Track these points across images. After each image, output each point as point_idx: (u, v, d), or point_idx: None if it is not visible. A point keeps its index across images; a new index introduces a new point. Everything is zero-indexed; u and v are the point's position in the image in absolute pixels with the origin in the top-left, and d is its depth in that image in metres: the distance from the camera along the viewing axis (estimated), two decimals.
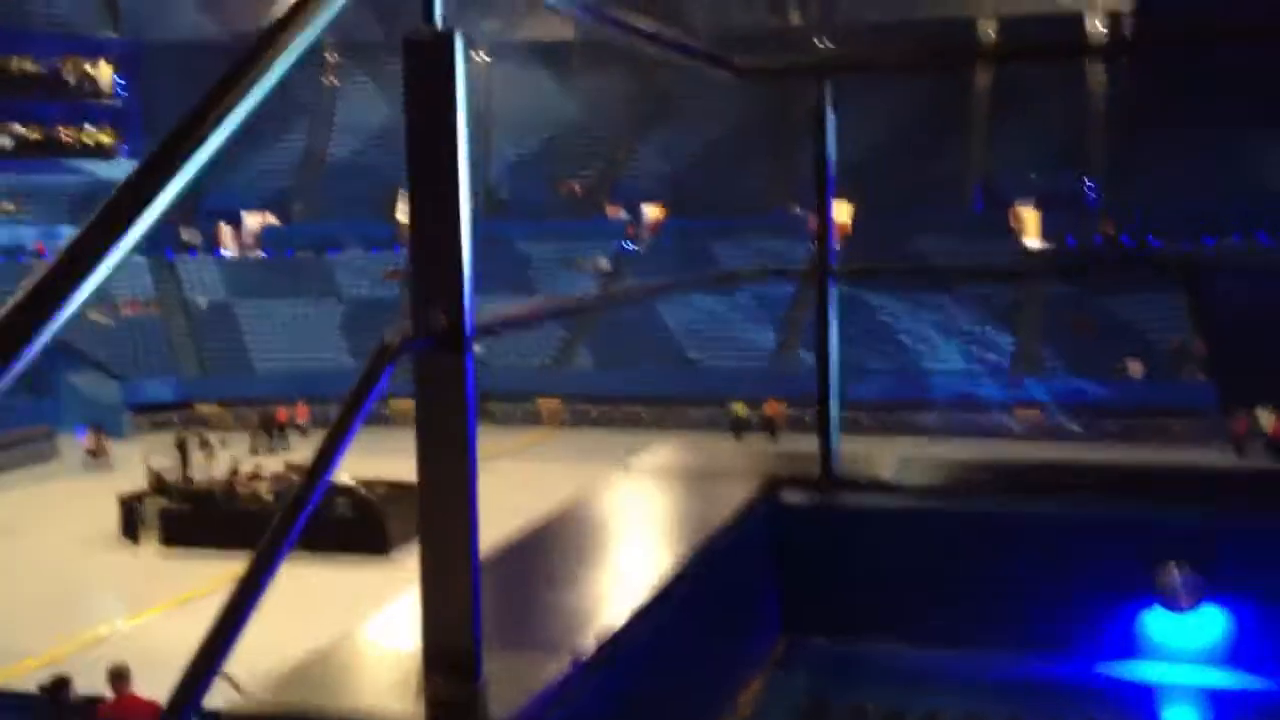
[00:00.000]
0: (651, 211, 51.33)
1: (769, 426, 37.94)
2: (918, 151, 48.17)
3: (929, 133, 49.80)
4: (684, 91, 55.82)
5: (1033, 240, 47.60)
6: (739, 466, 3.70)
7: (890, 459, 3.71)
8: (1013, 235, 47.68)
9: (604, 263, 48.27)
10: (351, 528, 26.94)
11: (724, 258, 47.05)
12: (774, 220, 45.40)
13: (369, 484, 28.64)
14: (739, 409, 39.25)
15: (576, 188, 51.27)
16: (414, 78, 1.92)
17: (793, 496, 3.43)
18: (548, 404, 42.54)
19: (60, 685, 13.58)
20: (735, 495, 3.27)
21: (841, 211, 48.24)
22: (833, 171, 3.48)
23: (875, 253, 45.18)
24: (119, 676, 12.74)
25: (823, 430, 3.52)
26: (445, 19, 1.89)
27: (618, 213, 51.34)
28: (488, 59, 59.23)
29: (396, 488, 29.22)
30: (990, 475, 3.76)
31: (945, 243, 45.70)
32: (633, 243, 50.10)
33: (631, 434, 39.98)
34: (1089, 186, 48.78)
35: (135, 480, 30.83)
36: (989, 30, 55.46)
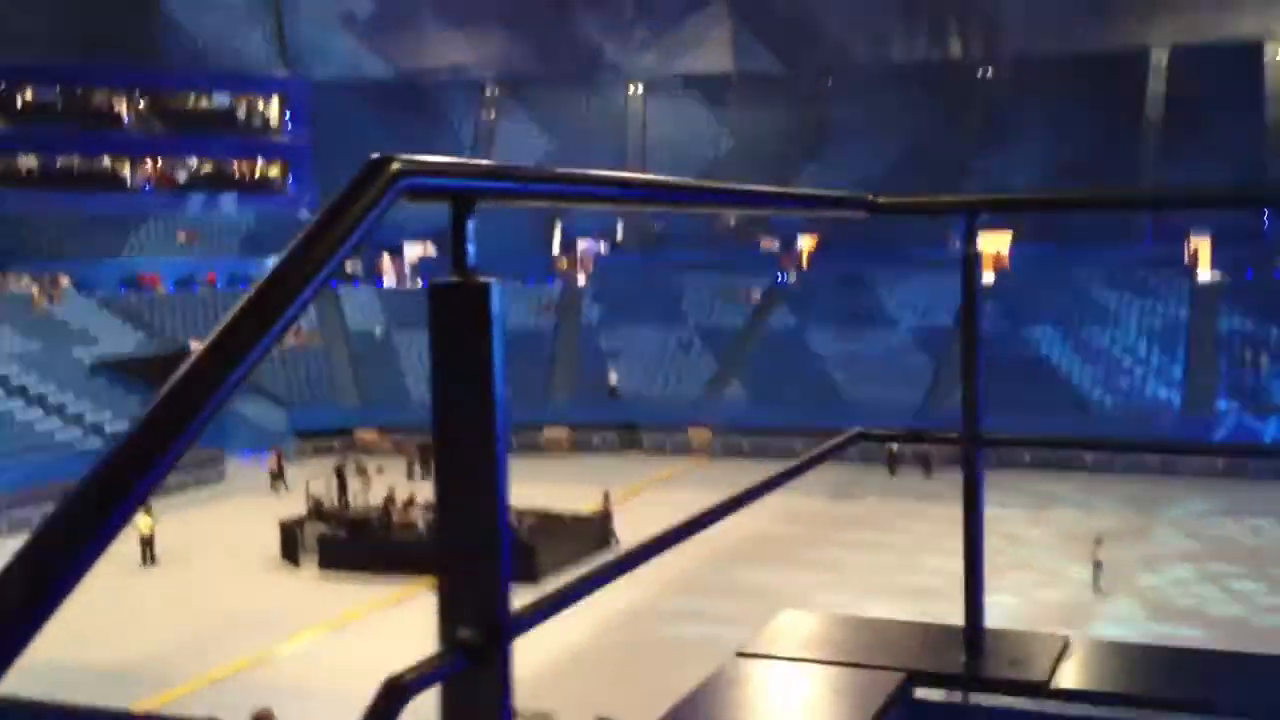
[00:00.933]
0: (805, 243, 50.86)
1: (924, 463, 37.11)
2: (1084, 179, 46.73)
3: (1096, 161, 48.29)
4: (843, 122, 55.36)
5: (1206, 273, 45.80)
6: (872, 646, 3.21)
7: (1053, 644, 3.11)
8: (1185, 268, 45.94)
9: (755, 294, 48.03)
10: None
11: (882, 287, 46.38)
12: (935, 252, 44.52)
13: (519, 514, 28.90)
14: (894, 444, 38.48)
15: (731, 220, 51.15)
16: (443, 332, 1.61)
17: (931, 694, 2.99)
18: (698, 434, 42.37)
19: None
20: (867, 692, 2.89)
21: (999, 241, 47.12)
22: (980, 317, 3.12)
23: (1034, 287, 44.10)
24: None
25: (970, 610, 3.06)
26: (477, 267, 1.60)
27: (771, 245, 51.05)
28: (643, 93, 59.71)
29: (547, 518, 29.48)
30: (1187, 675, 3.09)
31: (1114, 275, 44.36)
32: (785, 274, 49.72)
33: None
34: (1266, 218, 46.69)
35: (298, 505, 31.64)
36: (1161, 61, 53.60)
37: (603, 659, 22.33)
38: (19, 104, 54.04)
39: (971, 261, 3.06)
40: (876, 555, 29.13)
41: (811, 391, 41.89)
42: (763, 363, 44.42)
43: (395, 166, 1.41)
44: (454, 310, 1.58)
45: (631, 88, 60.24)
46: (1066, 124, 50.28)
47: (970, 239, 3.01)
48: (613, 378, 45.33)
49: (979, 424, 3.12)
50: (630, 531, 29.77)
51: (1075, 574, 27.24)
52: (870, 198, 2.99)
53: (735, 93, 57.25)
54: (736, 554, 29.14)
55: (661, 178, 2.27)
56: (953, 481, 3.42)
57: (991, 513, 3.49)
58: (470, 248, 1.59)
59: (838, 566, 28.20)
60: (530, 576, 26.57)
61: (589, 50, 59.85)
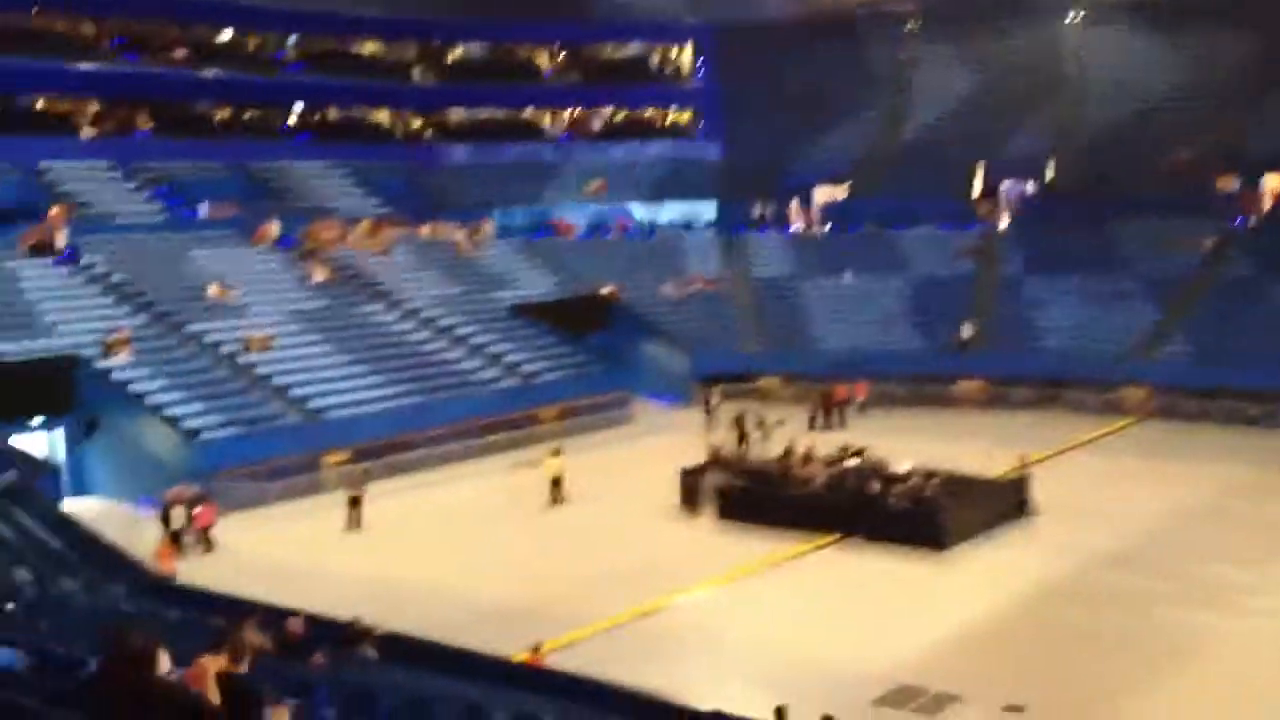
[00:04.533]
0: (1272, 182, 44.50)
1: None
2: None
3: None
4: None
5: None
6: None
7: None
8: None
9: (1206, 241, 42.79)
10: (907, 520, 25.47)
11: None
12: None
13: (928, 474, 27.08)
14: None
15: (1182, 158, 45.73)
16: None
17: None
18: (1132, 393, 38.49)
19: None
20: None
21: None
22: None
23: None
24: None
25: None
26: None
27: (1229, 185, 44.97)
28: (1081, 21, 55.10)
29: (956, 480, 27.44)
30: None
31: None
32: (1245, 218, 43.94)
33: (1234, 432, 35.33)
34: None
35: (699, 447, 31.25)
36: None
37: (1013, 639, 20.27)
38: (449, 61, 56.86)
39: None
40: None
41: (1269, 350, 37.08)
42: (1211, 317, 39.76)
43: None
44: None
45: (1068, 16, 55.75)
46: None
47: None
48: (965, 330, 42.25)
49: None
50: (1049, 499, 27.26)
51: None
52: None
53: (1189, 18, 51.31)
54: (1173, 530, 26.08)
55: None
56: None
57: None
58: None
59: None
60: (937, 543, 24.77)
61: None
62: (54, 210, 37.88)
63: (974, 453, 31.26)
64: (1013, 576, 23.08)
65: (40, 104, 45.81)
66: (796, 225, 50.96)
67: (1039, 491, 27.41)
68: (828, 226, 50.59)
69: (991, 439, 33.89)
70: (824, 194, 51.55)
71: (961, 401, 40.46)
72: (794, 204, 51.13)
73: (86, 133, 44.04)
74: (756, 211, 51.27)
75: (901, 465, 27.62)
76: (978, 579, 23.18)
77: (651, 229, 51.75)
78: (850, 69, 56.23)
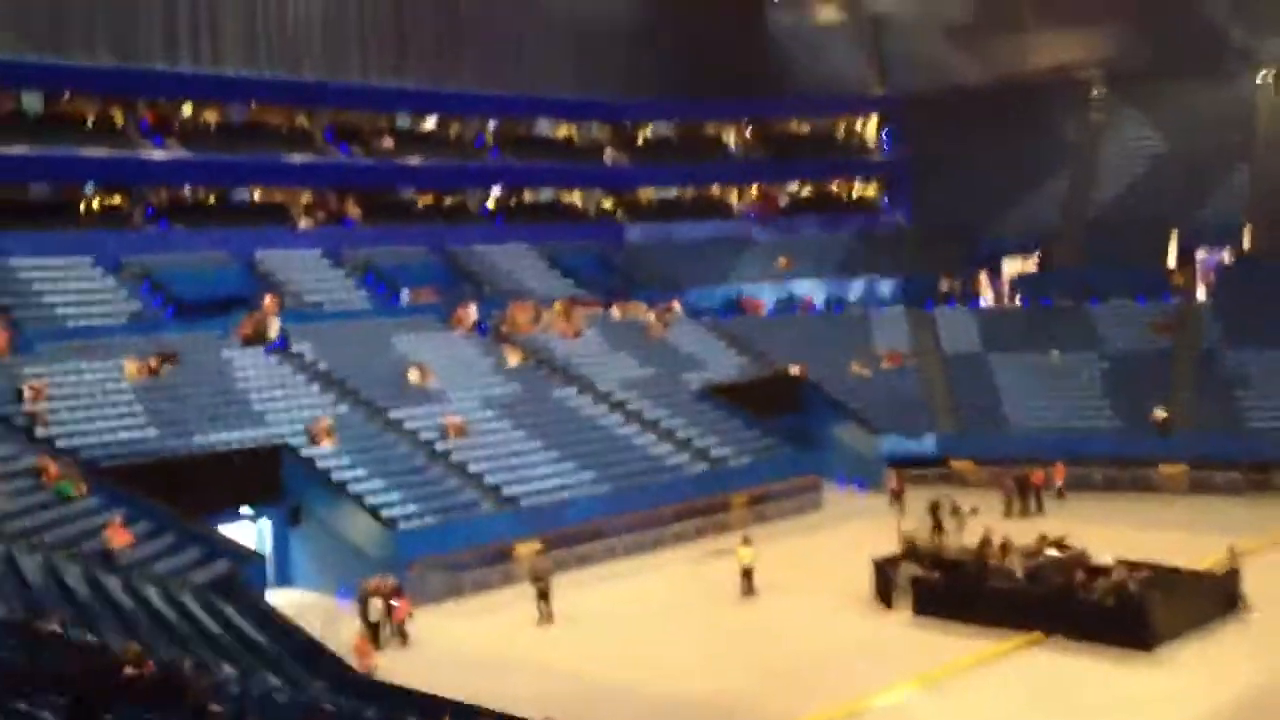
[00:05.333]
0: None
1: None
2: None
3: None
4: None
5: None
6: None
7: None
8: None
9: None
10: (1111, 616, 24.70)
11: None
12: None
13: (1133, 566, 26.23)
14: None
15: None
16: None
17: None
18: None
19: None
20: None
21: None
22: None
23: None
24: None
25: None
26: None
27: None
28: (1274, 80, 53.26)
29: (1163, 573, 26.49)
30: None
31: None
32: None
33: None
34: None
35: (891, 536, 30.89)
36: None
37: None
38: (640, 141, 58.12)
39: None
40: None
41: None
42: None
43: None
44: None
45: (1258, 76, 53.92)
46: None
47: None
48: (1159, 413, 40.59)
49: None
50: (1263, 594, 26.04)
51: None
52: None
53: None
54: None
55: None
56: None
57: None
58: None
59: None
60: (1144, 642, 23.94)
61: (1210, 36, 54.35)
62: (267, 300, 39.93)
63: (1179, 543, 30.12)
64: (1227, 679, 22.14)
65: (256, 195, 48.51)
66: (986, 299, 50.17)
67: (1251, 585, 26.23)
68: (1018, 300, 49.65)
69: (1198, 528, 32.60)
70: (1013, 266, 50.68)
71: (1164, 486, 39.02)
72: (983, 277, 50.39)
73: (304, 224, 46.35)
74: (945, 285, 50.66)
75: (1103, 556, 26.85)
76: (1189, 681, 22.29)
77: (839, 304, 51.62)
78: (1037, 137, 55.41)
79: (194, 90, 45.13)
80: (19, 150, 39.88)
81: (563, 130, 57.13)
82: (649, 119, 58.24)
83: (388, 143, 49.79)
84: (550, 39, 54.41)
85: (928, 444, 42.48)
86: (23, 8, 39.84)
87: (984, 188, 53.14)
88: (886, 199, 58.18)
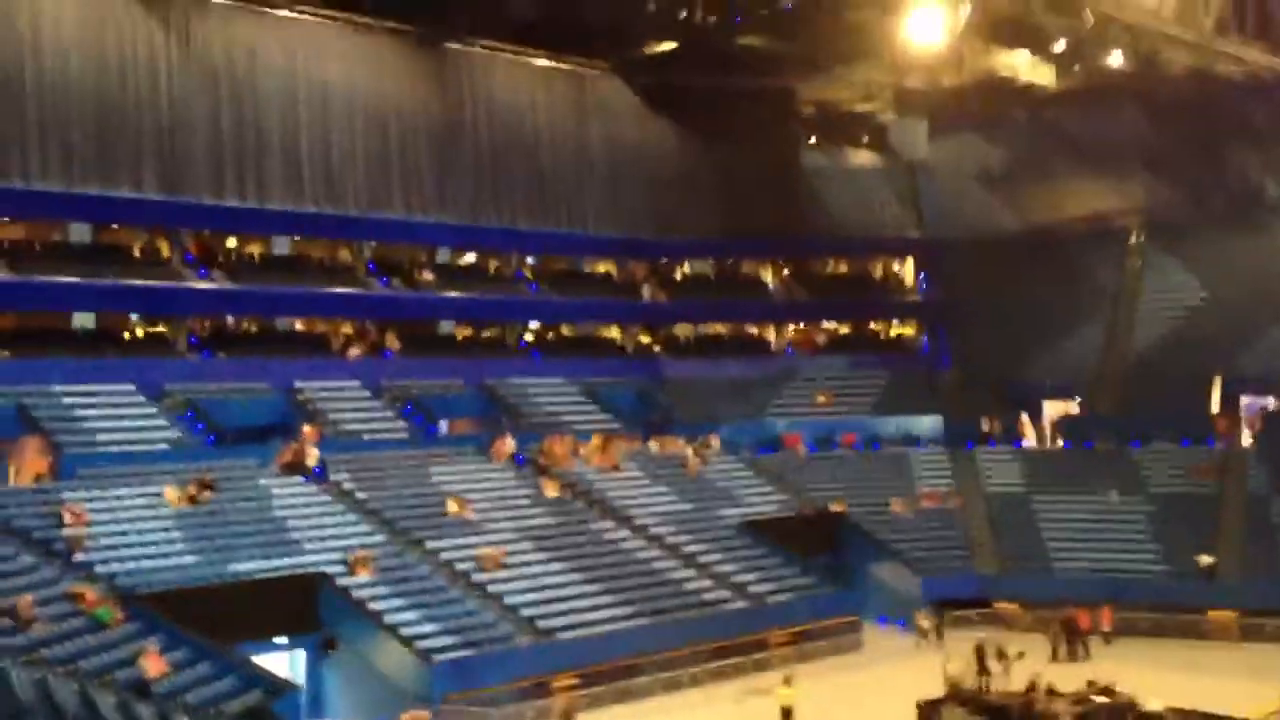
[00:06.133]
0: None
1: None
2: None
3: None
4: None
5: None
6: None
7: None
8: None
9: None
10: None
11: None
12: None
13: (1182, 714, 25.54)
14: None
15: None
16: None
17: None
18: None
19: None
20: None
21: None
22: None
23: None
24: None
25: None
26: None
27: None
28: None
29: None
30: None
31: None
32: None
33: None
34: None
35: (933, 677, 30.20)
36: None
37: None
38: (678, 278, 58.73)
39: None
40: None
41: None
42: None
43: None
44: None
45: None
46: None
47: None
48: (1204, 559, 39.88)
49: None
50: None
51: None
52: None
53: None
54: None
55: None
56: None
57: None
58: None
59: None
60: None
61: (1246, 188, 54.99)
62: (306, 429, 40.10)
63: (1230, 690, 29.34)
64: None
65: (298, 325, 49.08)
66: (1028, 440, 49.89)
67: None
68: (1060, 441, 49.32)
69: (1248, 675, 31.77)
70: (1054, 409, 50.49)
71: (1213, 633, 38.12)
72: (1024, 418, 50.21)
73: (352, 353, 46.67)
74: (986, 425, 50.42)
75: (1153, 703, 26.21)
76: None
77: (877, 442, 51.36)
78: (1075, 282, 55.58)
79: (239, 223, 45.90)
80: (66, 279, 40.51)
81: (601, 266, 57.82)
82: (686, 257, 58.92)
83: (428, 276, 50.49)
84: (590, 178, 55.36)
85: (969, 584, 41.80)
86: (72, 142, 40.79)
87: (1021, 331, 53.12)
88: (924, 339, 58.24)
